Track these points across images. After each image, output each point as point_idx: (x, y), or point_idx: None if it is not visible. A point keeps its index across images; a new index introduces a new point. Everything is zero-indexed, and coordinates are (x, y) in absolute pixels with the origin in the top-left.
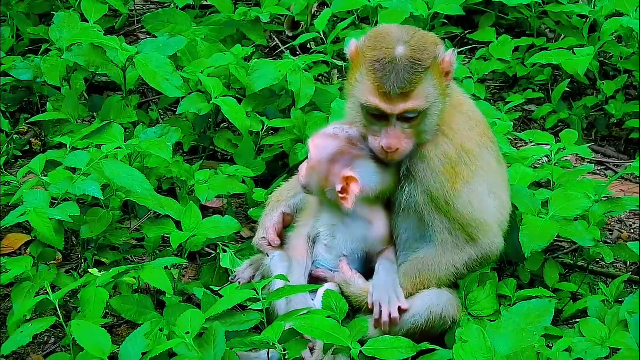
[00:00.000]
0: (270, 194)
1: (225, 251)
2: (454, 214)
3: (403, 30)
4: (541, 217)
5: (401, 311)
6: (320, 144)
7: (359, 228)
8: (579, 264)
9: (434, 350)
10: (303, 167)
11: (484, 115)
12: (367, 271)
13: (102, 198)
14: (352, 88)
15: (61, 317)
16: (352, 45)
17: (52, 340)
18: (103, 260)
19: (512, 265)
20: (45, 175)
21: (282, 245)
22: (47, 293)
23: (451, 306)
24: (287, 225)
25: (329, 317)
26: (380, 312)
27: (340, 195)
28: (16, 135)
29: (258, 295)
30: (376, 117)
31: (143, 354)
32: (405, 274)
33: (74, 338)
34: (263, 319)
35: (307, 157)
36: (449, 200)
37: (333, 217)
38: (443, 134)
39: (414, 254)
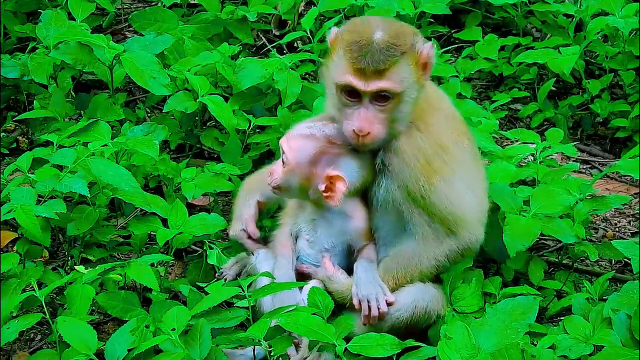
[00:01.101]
0: None
1: (211, 248)
2: (432, 208)
3: (383, 20)
4: (524, 216)
5: (388, 304)
6: (298, 145)
7: (339, 222)
8: (564, 262)
9: (418, 347)
10: (276, 169)
11: (461, 115)
12: (350, 265)
13: (89, 195)
14: (328, 70)
15: (47, 313)
16: (332, 32)
17: (39, 337)
18: (89, 257)
19: (496, 263)
20: (32, 173)
21: (264, 241)
22: (34, 290)
23: (436, 301)
24: (261, 212)
25: (314, 314)
26: (369, 307)
27: (325, 194)
28: (3, 133)
29: (244, 292)
30: (350, 97)
31: (129, 350)
32: (386, 269)
33: (60, 335)
34: (249, 316)
35: (279, 158)
36: (424, 194)
37: (313, 212)
38: (418, 129)
39: (394, 248)
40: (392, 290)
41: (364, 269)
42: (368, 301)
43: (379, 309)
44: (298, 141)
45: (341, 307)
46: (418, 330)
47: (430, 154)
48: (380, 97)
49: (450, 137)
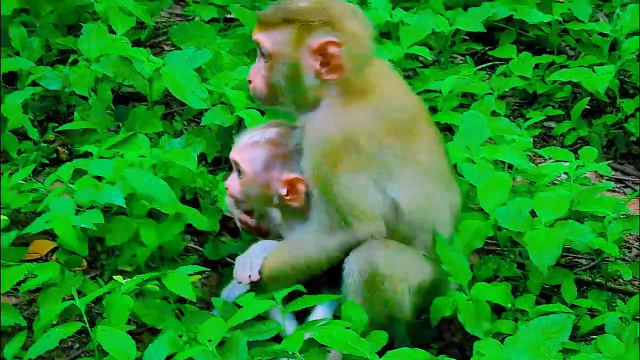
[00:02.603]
0: None
1: None
2: (331, 196)
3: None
4: (537, 229)
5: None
6: (249, 155)
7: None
8: (597, 280)
9: None
10: (232, 183)
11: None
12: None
13: (125, 206)
14: None
15: (86, 322)
16: None
17: (77, 345)
18: (126, 269)
19: (524, 279)
20: (72, 183)
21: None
22: (73, 298)
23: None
24: None
25: (348, 327)
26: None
27: (287, 197)
28: (43, 144)
29: (278, 305)
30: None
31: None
32: (278, 247)
33: (98, 343)
34: (282, 329)
35: (230, 173)
36: (328, 180)
37: (278, 227)
38: (332, 114)
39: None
40: (280, 270)
41: (257, 244)
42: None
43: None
44: (248, 151)
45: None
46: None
47: (338, 146)
48: (262, 51)
49: (373, 136)
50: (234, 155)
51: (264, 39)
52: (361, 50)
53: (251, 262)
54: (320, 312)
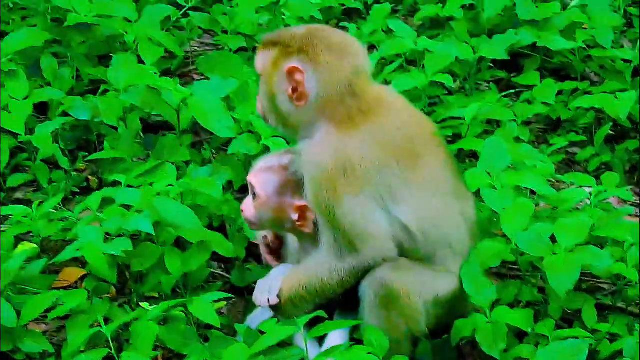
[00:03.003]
0: None
1: None
2: (335, 222)
3: (322, 27)
4: (556, 254)
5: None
6: (264, 178)
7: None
8: (618, 305)
9: None
10: (247, 205)
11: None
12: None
13: (153, 233)
14: None
15: (113, 349)
16: None
17: None
18: (153, 294)
19: (545, 303)
20: (101, 212)
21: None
22: (100, 326)
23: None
24: None
25: (370, 353)
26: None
27: (298, 223)
28: (74, 173)
29: (300, 331)
30: None
31: None
32: (293, 271)
33: None
34: (304, 355)
35: (247, 195)
36: (329, 206)
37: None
38: (327, 142)
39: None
40: (297, 294)
41: (277, 268)
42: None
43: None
44: (263, 174)
45: None
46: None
47: (333, 171)
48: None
49: (368, 159)
50: (250, 177)
51: (256, 58)
52: (334, 80)
53: (270, 285)
54: (337, 335)
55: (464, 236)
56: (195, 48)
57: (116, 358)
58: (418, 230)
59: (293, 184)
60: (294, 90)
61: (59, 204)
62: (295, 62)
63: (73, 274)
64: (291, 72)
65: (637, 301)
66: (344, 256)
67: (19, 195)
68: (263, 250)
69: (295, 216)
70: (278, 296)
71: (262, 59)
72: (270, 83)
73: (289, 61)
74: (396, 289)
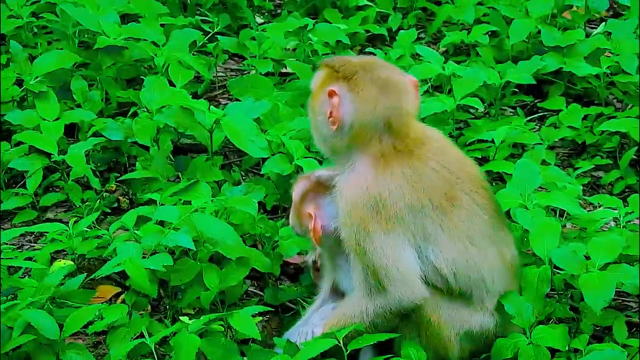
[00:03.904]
0: None
1: (303, 307)
2: (364, 259)
3: (374, 60)
4: (591, 271)
5: None
6: (298, 185)
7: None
8: None
9: None
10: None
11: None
12: None
13: (194, 249)
14: None
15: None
16: None
17: None
18: (189, 312)
19: (576, 321)
20: (137, 229)
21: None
22: (143, 337)
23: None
24: None
25: None
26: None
27: (311, 233)
28: (105, 193)
29: (339, 343)
30: None
31: None
32: (331, 318)
33: None
34: None
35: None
36: (360, 242)
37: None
38: (365, 179)
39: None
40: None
41: (318, 313)
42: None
43: None
44: (298, 182)
45: None
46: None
47: (366, 208)
48: None
49: (404, 201)
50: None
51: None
52: (370, 113)
53: (312, 332)
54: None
55: (501, 277)
56: (220, 73)
57: None
58: (449, 272)
59: (313, 195)
60: (331, 113)
61: (93, 223)
62: (336, 86)
63: (108, 291)
64: (330, 95)
65: None
66: (374, 296)
67: (49, 215)
68: (314, 274)
69: (310, 225)
70: None
71: (315, 78)
72: (316, 102)
73: (332, 85)
74: (428, 316)
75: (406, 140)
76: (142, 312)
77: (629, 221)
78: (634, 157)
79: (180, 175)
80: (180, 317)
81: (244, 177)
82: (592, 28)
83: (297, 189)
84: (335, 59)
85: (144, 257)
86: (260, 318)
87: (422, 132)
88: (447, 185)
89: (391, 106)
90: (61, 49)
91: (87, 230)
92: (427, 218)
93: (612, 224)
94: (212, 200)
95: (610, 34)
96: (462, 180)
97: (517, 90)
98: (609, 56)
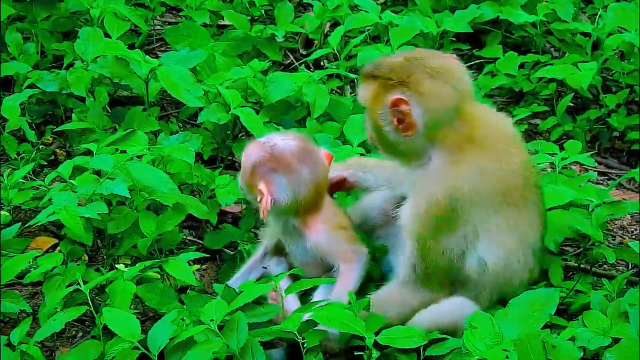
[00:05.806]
0: None
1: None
2: (423, 255)
3: (420, 52)
4: None
5: None
6: (249, 150)
7: (301, 238)
8: (583, 266)
9: (444, 339)
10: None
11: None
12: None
13: (129, 197)
14: None
15: (92, 307)
16: None
17: (80, 334)
18: (126, 261)
19: None
20: (73, 180)
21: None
22: (79, 284)
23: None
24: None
25: (347, 309)
26: None
27: (259, 206)
28: (42, 146)
29: (276, 288)
30: None
31: (170, 339)
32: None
33: (103, 327)
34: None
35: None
36: (424, 240)
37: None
38: (442, 176)
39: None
40: None
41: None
42: None
43: None
44: (251, 147)
45: None
46: None
47: (442, 208)
48: None
49: (479, 197)
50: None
51: (359, 91)
52: (441, 106)
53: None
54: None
55: (524, 273)
56: (158, 27)
57: (95, 314)
58: (493, 269)
59: (264, 169)
60: (400, 121)
61: (29, 174)
62: (398, 94)
63: (45, 242)
64: (396, 105)
65: (601, 261)
66: (417, 289)
67: None
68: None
69: (258, 198)
70: None
71: (364, 93)
72: (374, 116)
73: (392, 94)
74: None
75: (475, 124)
76: (78, 261)
77: (565, 166)
78: (571, 104)
79: (117, 127)
80: (116, 265)
81: (181, 128)
82: None
83: (249, 158)
84: (376, 67)
85: (80, 206)
86: (199, 266)
87: (484, 113)
88: (512, 186)
89: (456, 92)
90: None
91: (23, 182)
92: (487, 213)
93: (549, 169)
94: (148, 149)
95: None
96: (522, 180)
97: (454, 39)
98: (545, 4)
